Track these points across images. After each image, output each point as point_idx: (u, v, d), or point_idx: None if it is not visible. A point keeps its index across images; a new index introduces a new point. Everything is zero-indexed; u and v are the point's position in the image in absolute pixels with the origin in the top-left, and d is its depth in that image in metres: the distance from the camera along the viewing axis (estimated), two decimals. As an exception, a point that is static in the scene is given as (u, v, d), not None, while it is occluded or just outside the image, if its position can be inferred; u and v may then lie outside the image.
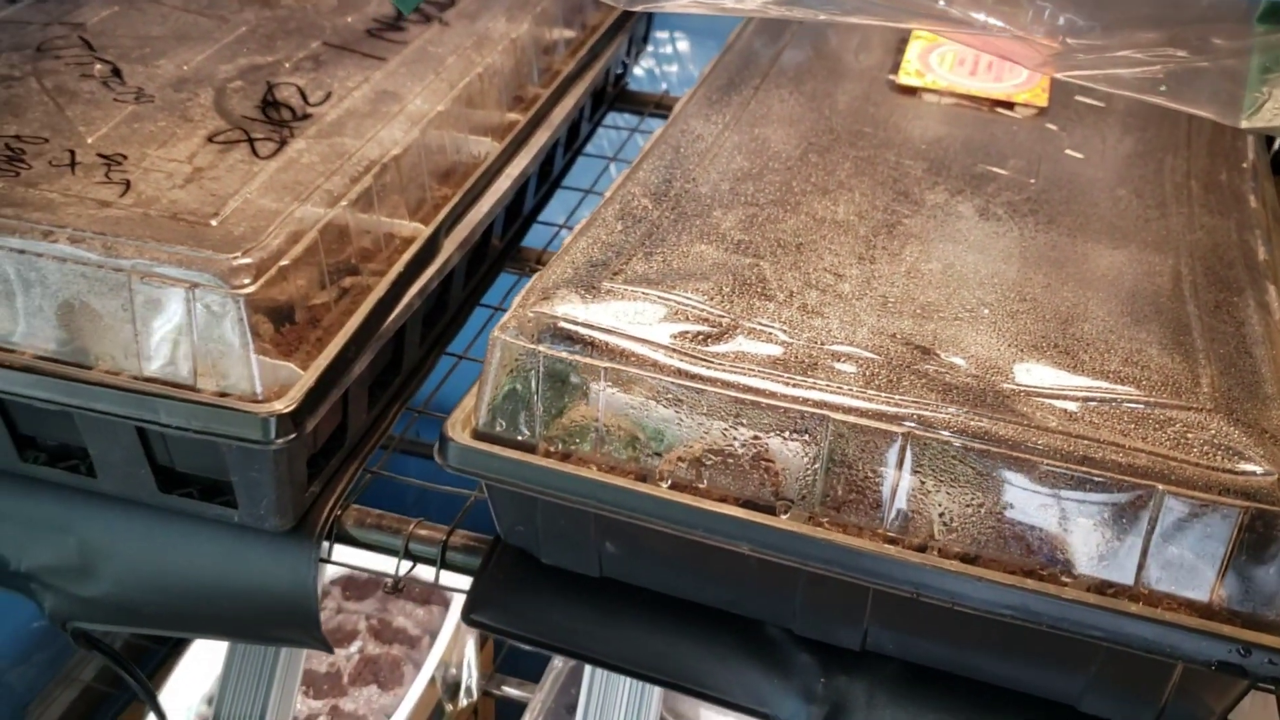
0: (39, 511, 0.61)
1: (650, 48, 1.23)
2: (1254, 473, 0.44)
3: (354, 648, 1.05)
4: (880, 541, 0.48)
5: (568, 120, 0.82)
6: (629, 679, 0.70)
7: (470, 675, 1.07)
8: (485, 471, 0.51)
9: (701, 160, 0.63)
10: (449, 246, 0.66)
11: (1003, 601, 0.46)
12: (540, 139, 0.78)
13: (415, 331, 0.67)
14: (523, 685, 1.12)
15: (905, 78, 0.72)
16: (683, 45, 1.25)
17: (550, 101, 0.80)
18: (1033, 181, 0.62)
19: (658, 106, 1.01)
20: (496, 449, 0.51)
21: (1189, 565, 0.45)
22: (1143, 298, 0.54)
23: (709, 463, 0.49)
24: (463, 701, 1.07)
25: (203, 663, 1.04)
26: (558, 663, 0.94)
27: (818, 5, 0.39)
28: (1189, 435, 0.46)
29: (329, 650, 0.63)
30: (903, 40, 0.76)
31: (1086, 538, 0.46)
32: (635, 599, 0.56)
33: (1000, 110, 0.70)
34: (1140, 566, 0.45)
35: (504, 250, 0.81)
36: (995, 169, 0.63)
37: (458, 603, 1.07)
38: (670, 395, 0.49)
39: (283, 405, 0.52)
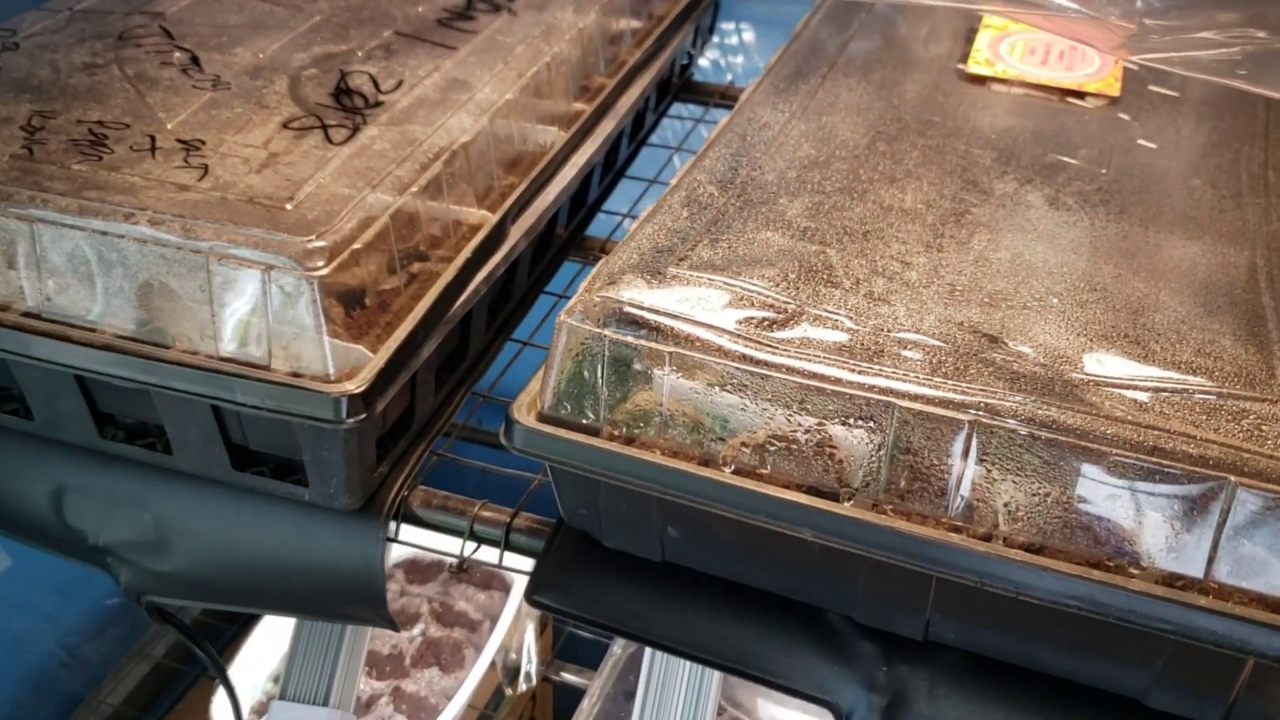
0: (117, 487, 0.63)
1: (715, 39, 1.23)
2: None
3: (416, 630, 1.07)
4: (945, 530, 0.47)
5: (633, 110, 0.83)
6: (688, 665, 0.71)
7: (530, 660, 1.08)
8: (550, 454, 0.52)
9: (768, 148, 0.63)
10: (515, 234, 0.67)
11: (1069, 592, 0.45)
12: (606, 129, 0.78)
13: (481, 317, 0.68)
14: (581, 672, 1.12)
15: (975, 67, 0.71)
16: (748, 36, 1.25)
17: (616, 91, 0.81)
18: (1104, 171, 0.62)
19: (723, 97, 1.01)
20: (561, 432, 0.52)
21: (1261, 559, 0.44)
22: (1216, 289, 0.53)
23: (773, 448, 0.49)
24: (522, 686, 1.08)
25: (269, 641, 1.06)
26: (617, 649, 0.95)
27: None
28: (1263, 427, 0.45)
29: (394, 629, 0.64)
30: (972, 29, 0.76)
31: (1156, 529, 0.45)
32: (696, 583, 0.56)
33: (1071, 100, 0.69)
34: (1211, 559, 0.45)
35: (569, 239, 0.81)
36: (1066, 158, 0.63)
37: (518, 588, 1.08)
38: (735, 381, 0.49)
39: (354, 386, 0.53)
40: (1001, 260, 0.54)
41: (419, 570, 1.13)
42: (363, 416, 0.54)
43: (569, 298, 0.79)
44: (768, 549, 0.53)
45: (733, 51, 1.26)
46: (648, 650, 0.72)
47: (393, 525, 0.61)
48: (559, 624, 1.14)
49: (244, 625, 1.11)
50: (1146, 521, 0.45)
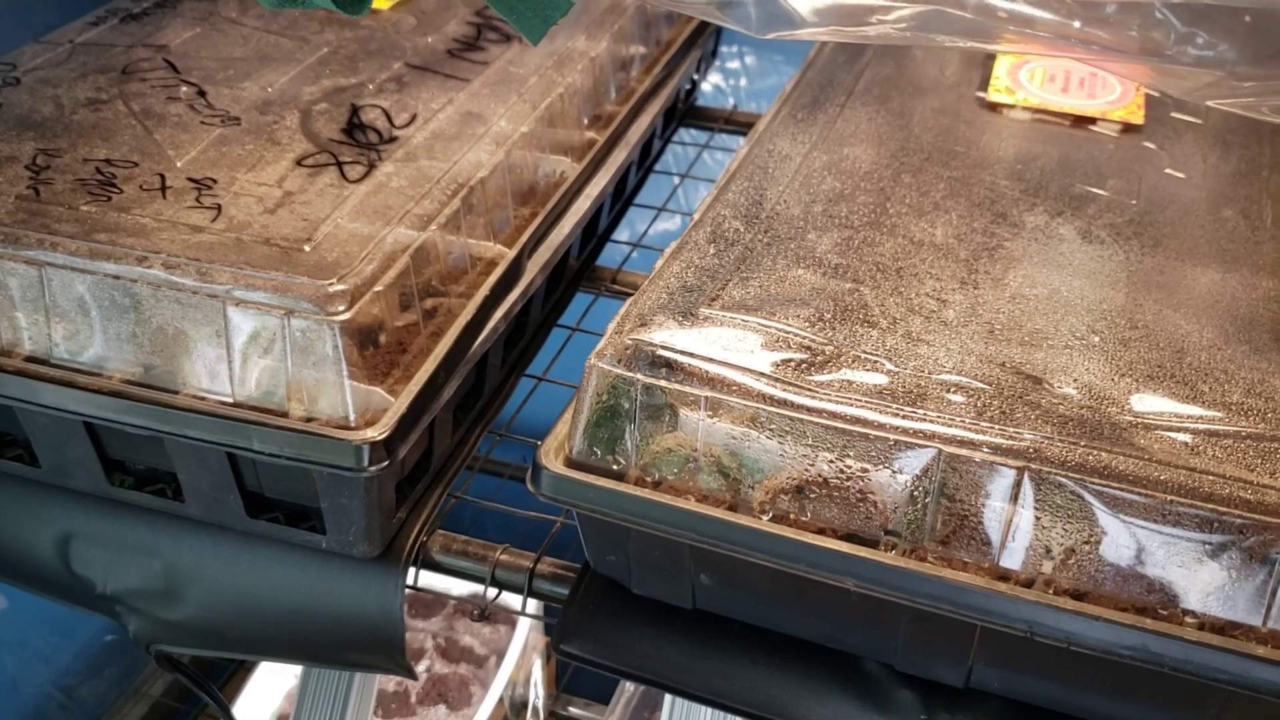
0: (126, 535, 0.61)
1: (716, 63, 1.22)
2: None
3: (421, 667, 1.05)
4: (990, 578, 0.46)
5: (643, 139, 0.81)
6: (711, 711, 0.69)
7: (537, 695, 1.07)
8: (580, 501, 0.51)
9: (791, 181, 0.62)
10: (532, 269, 0.66)
11: (1121, 642, 0.44)
12: (618, 158, 0.77)
13: (498, 354, 0.66)
14: (589, 706, 1.11)
15: (995, 94, 0.71)
16: (750, 60, 1.24)
17: (627, 119, 0.80)
18: (1134, 202, 0.61)
19: (727, 122, 1.00)
20: (591, 478, 0.50)
21: (1322, 608, 0.43)
22: (1259, 325, 0.52)
23: (812, 495, 0.48)
24: (529, 722, 1.06)
25: (273, 680, 1.04)
26: (629, 685, 0.93)
27: (950, 31, 0.38)
28: (1319, 471, 0.44)
29: (413, 677, 0.62)
30: (990, 56, 0.75)
31: (1210, 577, 0.44)
32: (728, 631, 0.55)
33: (1095, 128, 0.68)
34: (1269, 607, 0.43)
35: (580, 270, 0.80)
36: (1094, 189, 0.62)
37: (524, 622, 1.06)
38: (773, 425, 0.48)
39: (376, 432, 0.51)
40: (1039, 296, 0.53)
41: (422, 605, 1.12)
42: (385, 464, 0.52)
43: (581, 330, 0.78)
44: (805, 596, 0.51)
45: (734, 75, 1.25)
46: (667, 694, 0.70)
47: (411, 572, 0.59)
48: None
49: (244, 663, 1.09)
50: (1200, 569, 0.44)
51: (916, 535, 0.47)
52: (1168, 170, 0.64)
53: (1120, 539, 0.44)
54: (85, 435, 0.57)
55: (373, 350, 0.55)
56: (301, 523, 0.57)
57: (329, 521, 0.56)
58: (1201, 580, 0.44)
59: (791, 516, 0.49)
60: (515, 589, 0.60)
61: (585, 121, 0.76)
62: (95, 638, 1.08)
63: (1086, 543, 0.45)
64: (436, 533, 0.61)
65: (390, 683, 1.03)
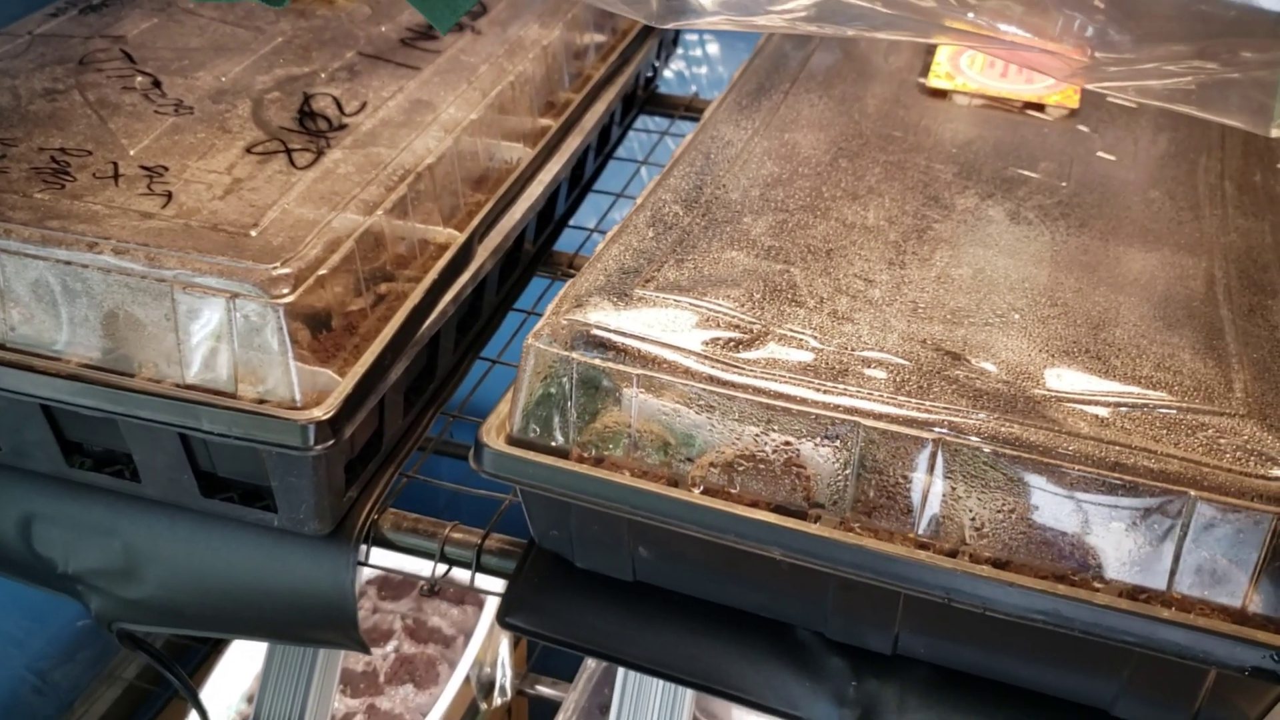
0: (85, 515, 0.62)
1: (680, 50, 1.24)
2: (1287, 478, 0.44)
3: (390, 647, 1.06)
4: (912, 546, 0.48)
5: (599, 125, 0.83)
6: (662, 681, 0.71)
7: (504, 674, 1.08)
8: (520, 477, 0.52)
9: (732, 166, 0.64)
10: (482, 253, 0.67)
11: (1035, 607, 0.46)
12: (572, 144, 0.78)
13: (449, 337, 0.68)
14: (556, 684, 1.12)
15: (935, 80, 0.72)
16: (713, 48, 1.25)
17: (581, 107, 0.81)
18: (1064, 184, 0.62)
19: (688, 109, 1.02)
20: (531, 455, 0.52)
21: (1222, 571, 0.45)
22: (1175, 302, 0.54)
23: (741, 468, 0.50)
24: (497, 700, 1.08)
25: (243, 661, 1.05)
26: (590, 663, 0.95)
27: (845, 21, 0.39)
28: (1221, 441, 0.46)
29: (366, 652, 0.64)
30: (920, 42, 0.76)
31: (1118, 543, 0.46)
32: (668, 602, 0.57)
33: (1031, 112, 0.70)
34: (1172, 572, 0.45)
35: (536, 255, 0.82)
36: (1026, 172, 0.63)
37: (491, 603, 1.08)
38: (702, 401, 0.49)
39: (321, 412, 0.53)
40: (964, 276, 0.55)
41: (391, 587, 1.13)
42: (331, 442, 0.54)
43: (538, 314, 0.79)
44: (738, 567, 0.53)
45: (697, 63, 1.26)
46: (619, 668, 0.72)
47: (363, 549, 0.61)
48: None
49: (216, 646, 1.11)
50: (1109, 535, 0.46)
51: (840, 506, 0.49)
52: (1099, 153, 0.65)
53: (1032, 508, 0.46)
54: (43, 418, 0.58)
55: (321, 333, 0.56)
56: (254, 502, 0.59)
57: (280, 500, 0.57)
58: (1109, 546, 0.46)
59: (724, 490, 0.50)
60: (464, 565, 0.62)
61: (538, 109, 0.78)
62: (69, 622, 1.10)
63: (1000, 512, 0.47)
64: (388, 511, 0.62)
65: (359, 663, 1.05)
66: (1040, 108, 0.70)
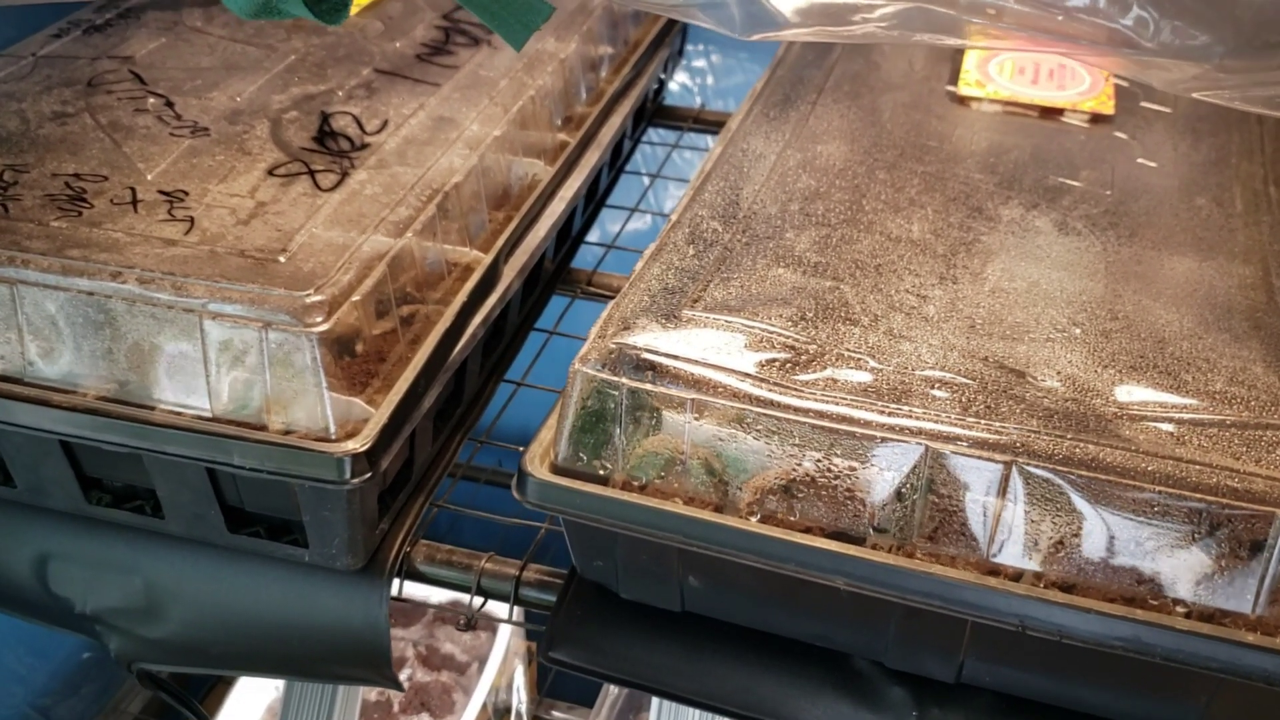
0: (105, 553, 0.60)
1: (682, 61, 1.22)
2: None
3: (403, 675, 1.04)
4: (980, 572, 0.46)
5: (615, 139, 0.81)
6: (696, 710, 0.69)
7: (520, 700, 1.06)
8: (567, 507, 0.50)
9: (767, 180, 0.62)
10: (508, 273, 0.65)
11: (1112, 634, 0.44)
12: (591, 159, 0.77)
13: (476, 360, 0.66)
14: (572, 709, 1.10)
15: (965, 88, 0.71)
16: (716, 58, 1.24)
17: (598, 120, 0.79)
18: (1109, 193, 0.61)
19: (695, 121, 1.00)
20: (577, 484, 0.50)
21: (1308, 592, 0.43)
22: (1238, 313, 0.52)
23: (799, 494, 0.48)
24: (514, 727, 1.06)
25: (255, 693, 1.03)
26: (613, 688, 0.93)
27: (930, 29, 0.38)
28: (1303, 457, 0.44)
29: (400, 689, 0.62)
30: (959, 48, 0.75)
31: (1199, 565, 0.44)
32: (718, 633, 0.55)
33: (1065, 119, 0.68)
34: (1257, 594, 0.44)
35: (555, 273, 0.80)
36: (1068, 180, 0.62)
37: (505, 629, 1.05)
38: (758, 426, 0.48)
39: (358, 444, 0.51)
40: (1018, 290, 0.53)
41: (402, 614, 1.11)
42: (367, 475, 0.52)
43: (559, 334, 0.77)
44: (794, 596, 0.51)
45: (700, 74, 1.25)
46: (654, 697, 0.70)
47: (395, 583, 0.59)
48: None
49: (226, 677, 1.08)
50: (1190, 557, 0.44)
51: (905, 532, 0.47)
52: (1140, 160, 0.64)
53: (1108, 530, 0.45)
54: (61, 454, 0.56)
55: (351, 360, 0.54)
56: (283, 536, 0.57)
57: (311, 535, 0.55)
58: (1190, 569, 0.44)
59: (779, 516, 0.49)
60: (501, 597, 0.60)
61: (557, 123, 0.76)
62: (72, 655, 1.07)
63: (1075, 535, 0.45)
64: (420, 543, 0.60)
65: (373, 692, 1.03)
66: (1074, 114, 0.68)
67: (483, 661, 1.04)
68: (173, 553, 0.59)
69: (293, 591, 0.59)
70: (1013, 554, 0.46)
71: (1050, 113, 0.69)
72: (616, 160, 0.91)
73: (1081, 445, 0.45)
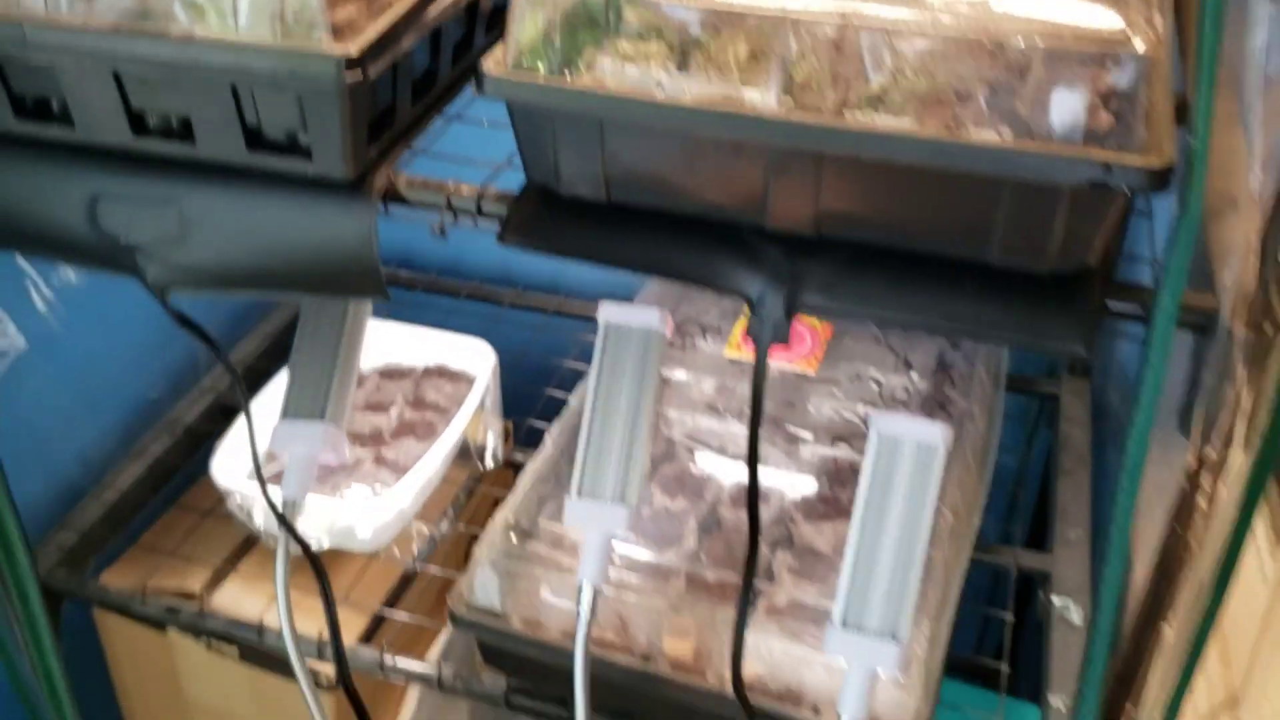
0: (147, 189, 0.74)
1: None
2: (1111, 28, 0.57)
3: (394, 413, 1.19)
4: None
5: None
6: (622, 419, 0.82)
7: (495, 442, 1.21)
8: (515, 95, 0.65)
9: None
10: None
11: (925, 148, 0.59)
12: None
13: (448, 49, 0.79)
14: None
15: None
16: None
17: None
18: None
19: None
20: (524, 77, 0.64)
21: (1061, 108, 0.58)
22: None
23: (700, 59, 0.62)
24: (490, 463, 1.21)
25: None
26: (555, 428, 1.06)
27: None
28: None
29: (386, 297, 0.76)
30: None
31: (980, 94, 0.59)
32: (639, 218, 0.69)
33: None
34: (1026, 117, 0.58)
35: None
36: None
37: (484, 378, 1.20)
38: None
39: (351, 48, 0.65)
40: None
41: (394, 374, 1.25)
42: (359, 79, 0.66)
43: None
44: (693, 174, 0.65)
45: None
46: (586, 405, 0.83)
47: (382, 205, 0.73)
48: (518, 419, 1.26)
49: (224, 420, 1.22)
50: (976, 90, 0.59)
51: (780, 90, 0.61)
52: None
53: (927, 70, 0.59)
54: (113, 85, 0.70)
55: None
56: (292, 154, 0.71)
57: (315, 145, 0.69)
58: (976, 100, 0.59)
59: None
60: (468, 212, 0.74)
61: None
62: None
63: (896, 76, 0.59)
64: (402, 174, 0.75)
65: (366, 425, 1.17)
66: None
67: (461, 403, 1.19)
68: (204, 183, 0.74)
69: (300, 212, 0.73)
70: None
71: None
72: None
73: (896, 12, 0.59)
